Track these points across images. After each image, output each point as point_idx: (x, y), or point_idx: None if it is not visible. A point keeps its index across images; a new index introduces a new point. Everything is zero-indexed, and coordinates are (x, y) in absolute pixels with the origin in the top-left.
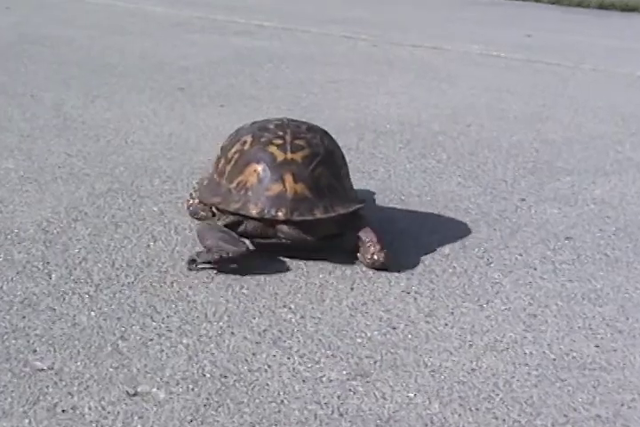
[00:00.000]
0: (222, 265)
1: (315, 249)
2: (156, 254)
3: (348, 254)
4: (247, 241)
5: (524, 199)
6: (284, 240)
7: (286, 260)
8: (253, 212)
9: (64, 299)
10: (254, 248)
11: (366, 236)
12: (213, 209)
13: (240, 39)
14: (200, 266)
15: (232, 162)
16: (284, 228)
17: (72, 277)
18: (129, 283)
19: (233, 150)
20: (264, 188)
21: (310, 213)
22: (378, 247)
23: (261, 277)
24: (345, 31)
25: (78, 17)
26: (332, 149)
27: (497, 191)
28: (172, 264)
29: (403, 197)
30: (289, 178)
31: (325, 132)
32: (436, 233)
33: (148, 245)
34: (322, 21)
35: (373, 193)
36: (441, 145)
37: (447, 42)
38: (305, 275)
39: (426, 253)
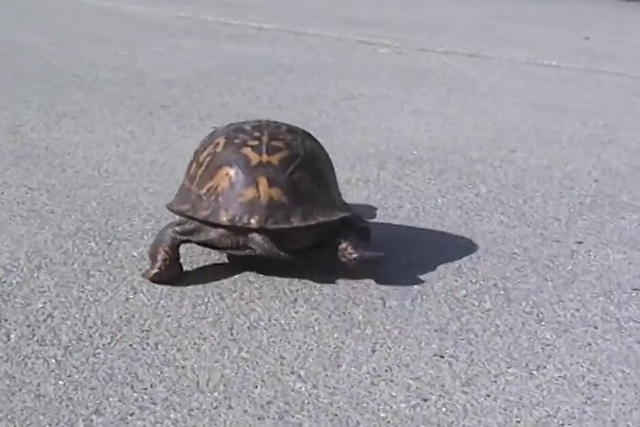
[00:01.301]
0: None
1: (291, 264)
2: (136, 310)
3: (330, 272)
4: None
5: (581, 242)
6: (257, 252)
7: (294, 314)
8: (223, 219)
9: (26, 364)
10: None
11: (344, 239)
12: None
13: (235, 45)
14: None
15: (203, 166)
16: (257, 237)
17: (35, 338)
18: (104, 345)
19: (205, 153)
20: (236, 193)
21: (286, 221)
22: (352, 244)
23: (264, 337)
24: (363, 35)
25: (39, 18)
26: (314, 152)
27: (548, 232)
28: (156, 322)
29: (434, 239)
30: (263, 182)
31: (308, 134)
32: (475, 283)
33: (127, 299)
34: (334, 22)
35: (396, 231)
36: (480, 176)
37: (488, 47)
38: (317, 334)
39: (463, 308)
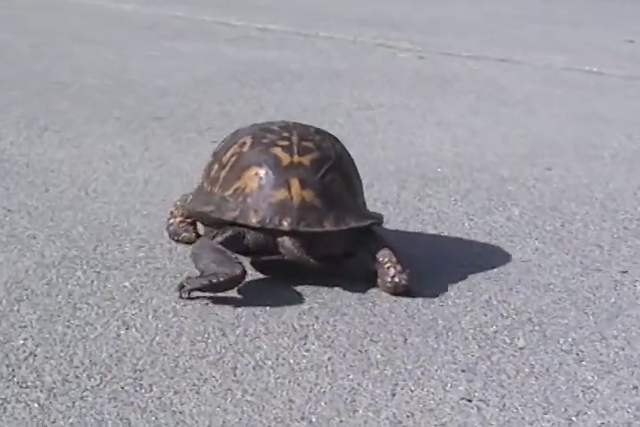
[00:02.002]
0: (214, 290)
1: (320, 271)
2: (128, 347)
3: (362, 282)
4: (244, 261)
5: (625, 271)
6: (285, 257)
7: (305, 352)
8: (253, 220)
9: (4, 409)
10: (250, 270)
11: (384, 256)
12: (200, 228)
13: (237, 48)
14: (192, 294)
15: (228, 167)
16: (287, 241)
17: (15, 379)
18: (93, 387)
19: (229, 154)
20: (266, 194)
21: (319, 225)
22: (399, 268)
23: (271, 378)
24: (380, 37)
25: (18, 16)
26: (343, 156)
27: (589, 260)
28: (150, 361)
29: (461, 269)
30: (295, 183)
31: (336, 138)
32: (507, 317)
33: (118, 335)
34: (348, 23)
35: (418, 258)
36: (512, 196)
37: (521, 51)
38: (330, 374)
39: (493, 346)
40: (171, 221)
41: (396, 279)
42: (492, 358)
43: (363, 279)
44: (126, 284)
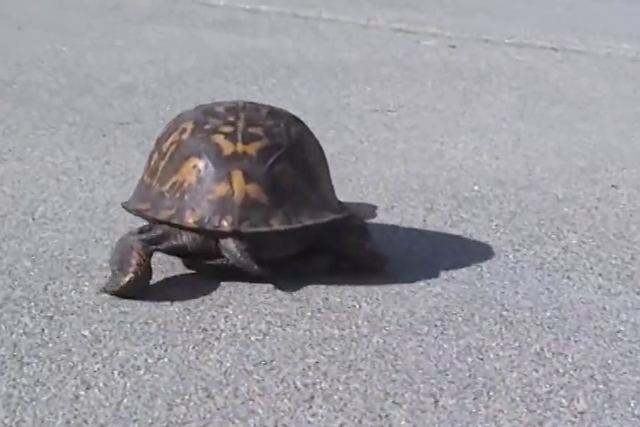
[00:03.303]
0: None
1: (269, 278)
2: (89, 412)
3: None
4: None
5: None
6: (229, 262)
7: (310, 417)
8: (190, 220)
9: None
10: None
11: (355, 249)
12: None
13: (220, 35)
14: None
15: (166, 157)
16: (230, 244)
17: None
18: None
19: (169, 142)
20: (205, 189)
21: (265, 224)
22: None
23: None
24: (400, 20)
25: None
26: (301, 140)
27: None
28: None
29: (504, 312)
30: (238, 176)
31: (295, 118)
32: (564, 374)
33: (77, 396)
34: (358, 2)
35: (451, 298)
36: (568, 221)
37: (575, 38)
38: None
39: (547, 410)
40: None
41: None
42: (546, 425)
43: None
44: (85, 332)
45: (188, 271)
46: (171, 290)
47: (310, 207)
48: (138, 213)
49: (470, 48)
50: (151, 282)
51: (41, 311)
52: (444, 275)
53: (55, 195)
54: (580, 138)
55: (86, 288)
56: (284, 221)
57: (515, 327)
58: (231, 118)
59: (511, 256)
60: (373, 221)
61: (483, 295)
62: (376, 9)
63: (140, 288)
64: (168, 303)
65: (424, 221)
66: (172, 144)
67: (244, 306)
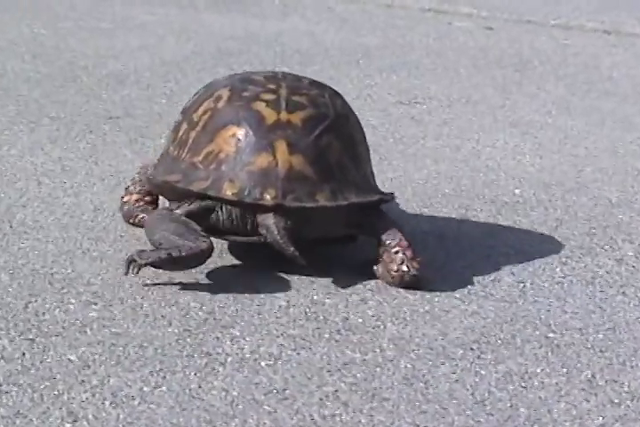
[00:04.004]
0: (173, 268)
1: (309, 260)
2: None
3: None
4: (210, 238)
5: None
6: (267, 240)
7: None
8: (228, 192)
9: None
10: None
11: (391, 238)
12: (163, 202)
13: (222, 17)
14: (142, 268)
15: (199, 126)
16: (270, 219)
17: None
18: None
19: (201, 110)
20: (245, 160)
21: (311, 199)
22: (408, 254)
23: None
24: None
25: None
26: (346, 114)
27: None
28: None
29: (551, 333)
30: (282, 147)
31: (337, 93)
32: (619, 404)
33: None
34: None
35: (489, 320)
36: (623, 230)
37: (632, 18)
38: None
39: None
40: (125, 198)
41: (405, 267)
42: None
43: (363, 271)
44: (72, 357)
45: (188, 281)
46: (169, 307)
47: (356, 185)
48: (167, 185)
49: (510, 31)
50: (145, 298)
51: (21, 333)
52: (480, 291)
53: (36, 200)
54: (636, 135)
55: (72, 306)
56: (330, 197)
57: (562, 351)
58: (272, 86)
59: (558, 270)
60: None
61: (525, 314)
62: None
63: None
64: (165, 323)
65: (458, 229)
66: (204, 113)
67: (253, 326)
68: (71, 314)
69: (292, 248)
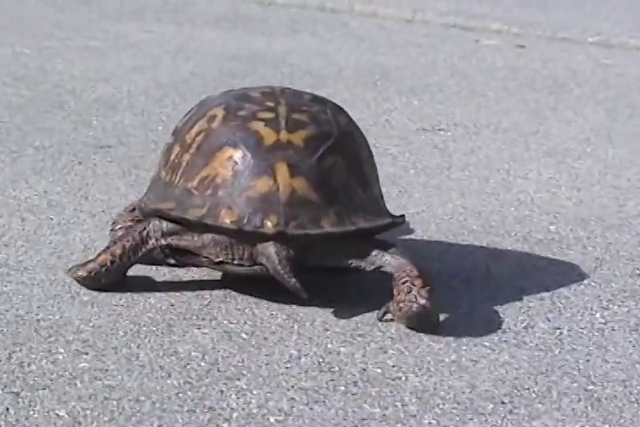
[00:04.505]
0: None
1: (313, 292)
2: None
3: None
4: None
5: None
6: (265, 270)
7: None
8: (226, 220)
9: None
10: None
11: (399, 269)
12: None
13: (225, 34)
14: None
15: (193, 149)
16: (270, 248)
17: None
18: None
19: (194, 131)
20: (243, 185)
21: (315, 225)
22: (417, 283)
23: None
24: (453, 13)
25: None
26: (350, 131)
27: None
28: None
29: (590, 387)
30: (283, 169)
31: (339, 107)
32: None
33: None
34: None
35: (523, 375)
36: None
37: None
38: None
39: None
40: (118, 226)
41: (414, 297)
42: None
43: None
44: (61, 412)
45: (188, 327)
46: (167, 357)
47: (363, 208)
48: (160, 213)
49: (543, 49)
50: (141, 347)
51: (4, 386)
52: (512, 339)
53: (19, 238)
54: None
55: (61, 356)
56: (336, 222)
57: (603, 405)
58: (270, 103)
59: (598, 315)
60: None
61: (562, 365)
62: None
63: (107, 284)
64: (164, 375)
65: (487, 270)
66: (198, 134)
67: (261, 378)
68: (59, 365)
69: (293, 280)
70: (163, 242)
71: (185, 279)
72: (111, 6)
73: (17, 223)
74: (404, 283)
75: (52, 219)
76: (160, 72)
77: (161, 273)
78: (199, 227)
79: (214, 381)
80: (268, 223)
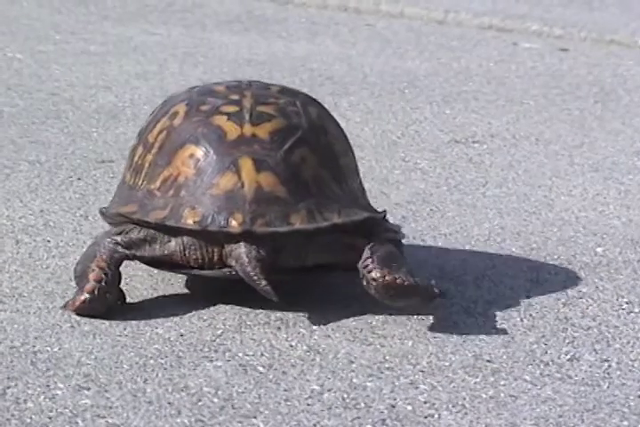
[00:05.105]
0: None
1: (278, 301)
2: None
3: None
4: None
5: None
6: (234, 272)
7: None
8: (189, 221)
9: None
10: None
11: (367, 251)
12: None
13: (239, 37)
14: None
15: (155, 149)
16: (240, 249)
17: None
18: None
19: (156, 130)
20: (207, 183)
21: (284, 222)
22: (375, 259)
23: None
24: (489, 13)
25: None
26: (322, 122)
27: None
28: None
29: None
30: (247, 165)
31: (311, 99)
32: None
33: None
34: None
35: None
36: None
37: None
38: None
39: None
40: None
41: (373, 274)
42: None
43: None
44: None
45: (199, 360)
46: (177, 393)
47: (338, 203)
48: (120, 217)
49: (589, 52)
50: (148, 382)
51: None
52: (556, 373)
53: (13, 262)
54: None
55: (60, 392)
56: (307, 218)
57: None
58: (235, 97)
59: None
60: (456, 297)
61: (611, 401)
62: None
63: (102, 308)
64: (173, 412)
65: (527, 297)
66: (160, 132)
67: (280, 416)
68: (59, 401)
69: (264, 282)
70: (128, 253)
71: (196, 307)
72: (112, 7)
73: (11, 246)
74: (364, 267)
75: (49, 241)
76: (166, 79)
77: (169, 300)
78: (163, 231)
79: (228, 419)
80: (234, 222)
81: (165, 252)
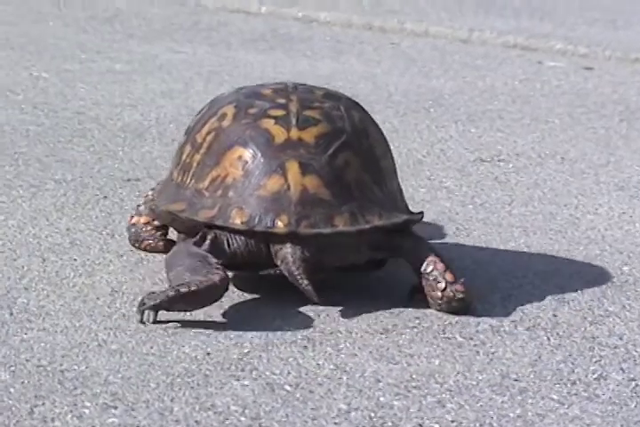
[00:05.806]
0: (187, 306)
1: (320, 302)
2: None
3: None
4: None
5: None
6: (280, 271)
7: None
8: (237, 221)
9: None
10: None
11: (427, 265)
12: (172, 234)
13: (263, 56)
14: (157, 315)
15: (203, 149)
16: (286, 249)
17: None
18: None
19: (204, 131)
20: (254, 184)
21: (328, 224)
22: (449, 278)
23: None
24: (514, 31)
25: None
26: (364, 127)
27: None
28: None
29: None
30: (294, 168)
31: (354, 102)
32: None
33: None
34: (458, 9)
35: None
36: None
37: None
38: None
39: None
40: (134, 220)
41: (449, 292)
42: None
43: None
44: None
45: (227, 379)
46: (204, 412)
47: (379, 206)
48: (170, 215)
49: (614, 71)
50: (175, 401)
51: None
52: (583, 391)
53: (40, 281)
54: None
55: (87, 411)
56: (349, 220)
57: None
58: (281, 100)
59: None
60: (483, 315)
61: (639, 420)
62: (481, 16)
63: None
64: None
65: (554, 315)
66: (208, 133)
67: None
68: (86, 420)
69: (306, 281)
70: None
71: (222, 325)
72: (137, 25)
73: (37, 264)
74: (434, 279)
75: (75, 259)
76: (192, 97)
77: (196, 319)
78: (212, 228)
79: None
80: (280, 223)
81: (223, 253)
